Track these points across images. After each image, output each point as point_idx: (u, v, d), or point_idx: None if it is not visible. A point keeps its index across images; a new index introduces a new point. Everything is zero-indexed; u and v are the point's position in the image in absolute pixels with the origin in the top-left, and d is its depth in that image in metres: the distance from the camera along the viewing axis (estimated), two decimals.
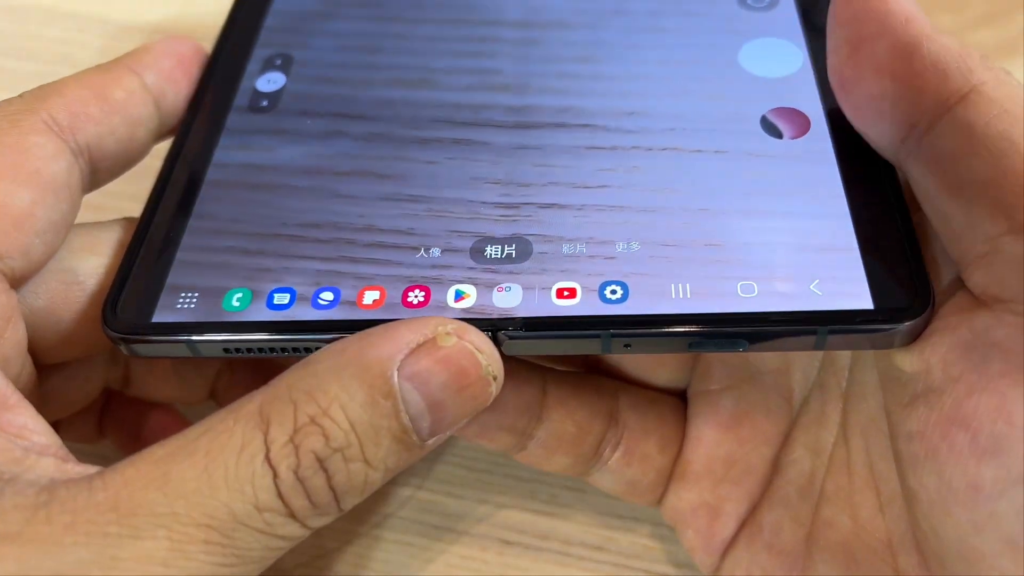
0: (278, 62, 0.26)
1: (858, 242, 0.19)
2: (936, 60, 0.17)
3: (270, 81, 0.26)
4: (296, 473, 0.17)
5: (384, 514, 0.26)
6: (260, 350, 0.20)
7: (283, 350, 0.20)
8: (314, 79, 0.26)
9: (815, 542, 0.21)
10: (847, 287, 0.19)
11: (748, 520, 0.22)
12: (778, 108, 0.23)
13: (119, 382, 0.26)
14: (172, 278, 0.21)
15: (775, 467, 0.23)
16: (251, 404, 0.17)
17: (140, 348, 0.21)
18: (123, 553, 0.16)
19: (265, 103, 0.25)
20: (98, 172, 0.23)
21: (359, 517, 0.26)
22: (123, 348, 0.21)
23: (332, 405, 0.17)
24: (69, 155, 0.21)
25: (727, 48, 0.24)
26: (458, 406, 0.18)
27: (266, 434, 0.17)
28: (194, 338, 0.20)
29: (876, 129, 0.19)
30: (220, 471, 0.16)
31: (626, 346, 0.19)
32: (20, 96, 0.22)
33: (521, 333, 0.19)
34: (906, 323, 0.18)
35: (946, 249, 0.18)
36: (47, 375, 0.22)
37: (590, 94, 0.24)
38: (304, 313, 0.20)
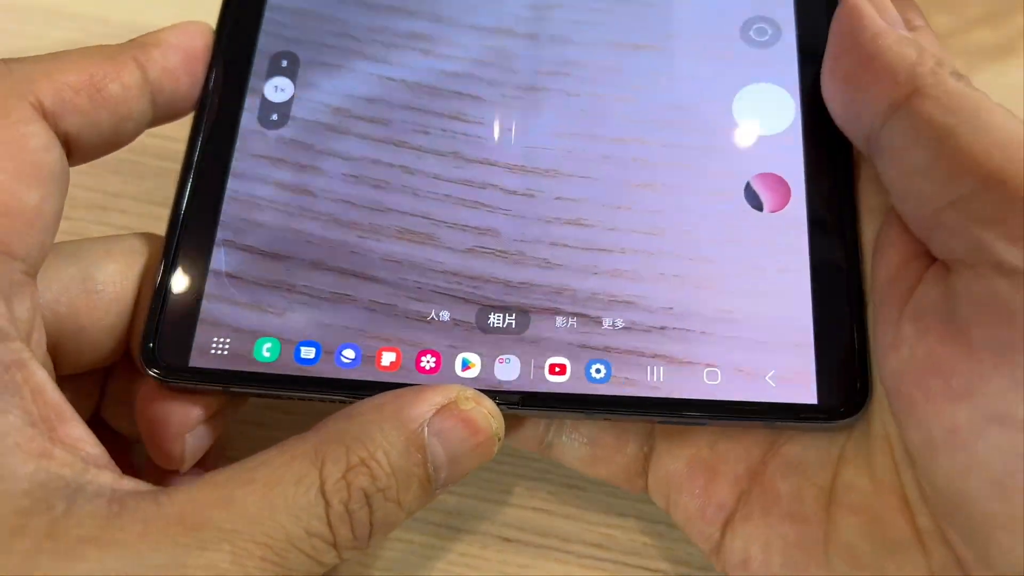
0: (284, 63, 0.26)
1: (815, 338, 0.22)
2: (889, 67, 0.21)
3: (278, 89, 0.25)
4: (346, 506, 0.19)
5: None
6: (290, 398, 0.23)
7: (311, 400, 0.23)
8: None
9: (837, 505, 0.21)
10: (797, 381, 0.21)
11: (756, 490, 0.22)
12: (763, 175, 0.23)
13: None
14: (202, 323, 0.23)
15: (778, 432, 0.22)
16: (305, 445, 0.19)
17: (178, 386, 0.22)
18: (191, 561, 0.17)
19: (275, 116, 0.25)
20: (70, 158, 0.22)
21: None
22: (160, 383, 0.22)
23: (378, 451, 0.19)
24: (57, 143, 0.21)
25: (722, 95, 0.24)
26: (469, 460, 0.21)
27: (321, 470, 0.19)
28: (231, 388, 0.22)
29: (849, 130, 0.22)
30: (280, 498, 0.18)
31: (605, 418, 0.23)
32: (7, 66, 0.21)
33: (517, 406, 0.22)
34: (843, 420, 0.21)
35: (911, 228, 0.21)
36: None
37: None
38: (329, 369, 0.22)
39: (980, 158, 0.19)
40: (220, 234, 0.24)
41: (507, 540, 0.26)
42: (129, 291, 0.23)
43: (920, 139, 0.20)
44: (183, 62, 0.24)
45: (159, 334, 0.22)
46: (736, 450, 0.22)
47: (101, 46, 0.23)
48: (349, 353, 0.22)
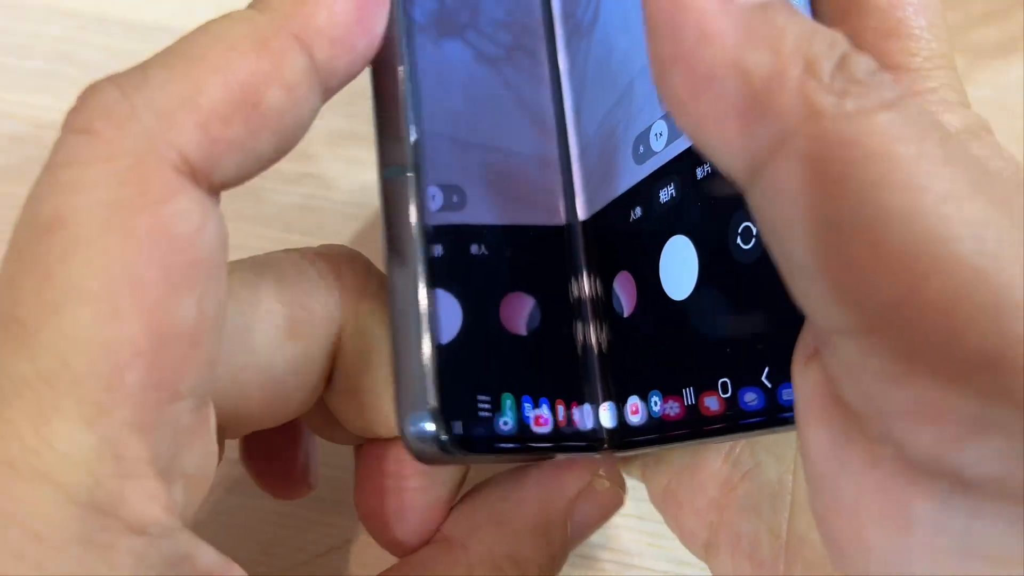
0: None
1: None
2: (734, 101, 0.12)
3: None
4: None
5: None
6: (524, 460, 0.22)
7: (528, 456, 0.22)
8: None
9: (794, 557, 0.20)
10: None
11: (723, 525, 0.21)
12: None
13: None
14: (474, 386, 0.19)
15: (736, 466, 0.22)
16: (462, 569, 0.20)
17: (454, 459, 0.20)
18: None
19: None
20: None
21: None
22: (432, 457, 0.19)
23: (529, 565, 0.20)
24: (214, 212, 0.15)
25: None
26: (594, 530, 0.22)
27: None
28: (506, 455, 0.20)
29: (719, 165, 0.14)
30: None
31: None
32: (131, 99, 0.14)
33: (613, 450, 0.22)
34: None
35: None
36: None
37: None
38: (543, 425, 0.21)
39: (874, 274, 0.11)
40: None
41: None
42: (323, 347, 0.19)
43: (789, 229, 0.12)
44: (358, 19, 0.16)
45: (444, 412, 0.18)
46: (691, 483, 0.22)
47: (239, 17, 0.15)
48: (545, 408, 0.21)
